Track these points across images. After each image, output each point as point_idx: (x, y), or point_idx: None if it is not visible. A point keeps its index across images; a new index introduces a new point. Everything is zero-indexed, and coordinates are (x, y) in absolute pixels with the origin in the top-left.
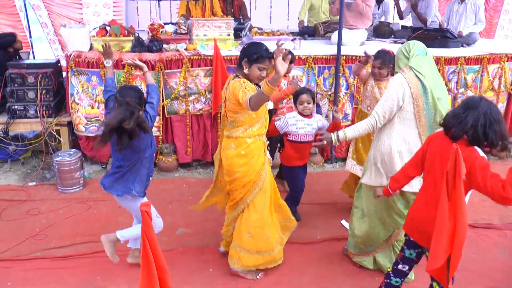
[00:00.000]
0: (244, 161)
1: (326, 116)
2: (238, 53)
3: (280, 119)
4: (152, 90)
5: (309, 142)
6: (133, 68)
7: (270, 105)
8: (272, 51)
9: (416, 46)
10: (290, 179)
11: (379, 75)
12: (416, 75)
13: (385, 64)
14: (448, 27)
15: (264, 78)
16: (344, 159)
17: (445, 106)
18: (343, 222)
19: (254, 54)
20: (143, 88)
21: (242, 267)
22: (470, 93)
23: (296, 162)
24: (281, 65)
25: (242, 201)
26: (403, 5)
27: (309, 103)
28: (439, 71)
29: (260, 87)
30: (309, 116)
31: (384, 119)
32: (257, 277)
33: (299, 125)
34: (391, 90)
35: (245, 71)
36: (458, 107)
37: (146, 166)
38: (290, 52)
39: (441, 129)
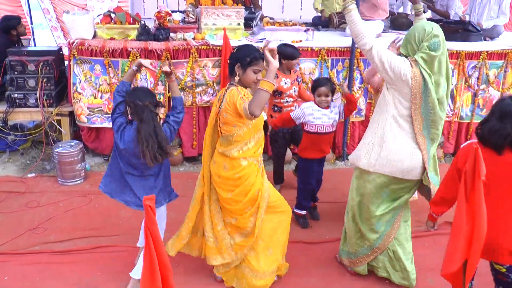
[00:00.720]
0: (238, 182)
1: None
2: (248, 43)
3: (295, 109)
4: (180, 104)
5: (327, 133)
6: (138, 57)
7: (264, 116)
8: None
9: (431, 36)
10: (304, 170)
11: None
12: (421, 72)
13: None
14: (470, 20)
15: (260, 80)
16: None
17: (444, 104)
18: None
19: (247, 57)
20: (148, 79)
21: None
22: (491, 90)
23: (313, 154)
24: (271, 57)
25: (250, 228)
26: None
27: (327, 96)
28: (459, 66)
29: None
30: (325, 107)
31: (377, 56)
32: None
33: (315, 115)
34: (399, 59)
35: (239, 77)
36: (491, 117)
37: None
38: (288, 45)
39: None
